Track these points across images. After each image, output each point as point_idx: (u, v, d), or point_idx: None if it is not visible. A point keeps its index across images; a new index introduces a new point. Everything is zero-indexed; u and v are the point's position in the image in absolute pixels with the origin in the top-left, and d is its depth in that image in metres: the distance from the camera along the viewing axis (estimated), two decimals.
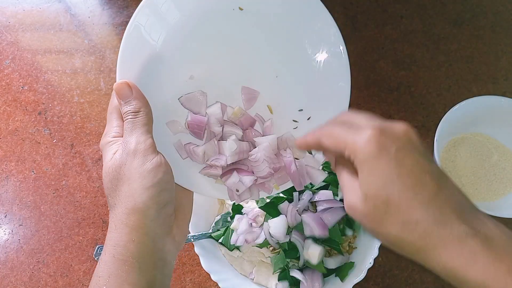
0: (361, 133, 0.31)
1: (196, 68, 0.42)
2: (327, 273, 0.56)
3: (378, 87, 0.72)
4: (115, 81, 0.39)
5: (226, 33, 0.43)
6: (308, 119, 0.45)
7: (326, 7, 0.43)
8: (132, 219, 0.35)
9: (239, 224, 0.59)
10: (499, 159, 0.65)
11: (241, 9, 0.42)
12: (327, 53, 0.44)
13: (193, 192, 0.42)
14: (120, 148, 0.36)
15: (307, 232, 0.56)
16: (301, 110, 0.45)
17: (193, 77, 0.42)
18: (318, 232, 0.55)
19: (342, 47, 0.44)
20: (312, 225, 0.55)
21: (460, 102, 0.61)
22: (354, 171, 0.33)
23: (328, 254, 0.58)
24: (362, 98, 0.71)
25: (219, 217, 0.61)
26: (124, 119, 0.38)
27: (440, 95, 0.71)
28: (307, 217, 0.56)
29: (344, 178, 0.33)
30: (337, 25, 0.43)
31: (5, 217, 0.67)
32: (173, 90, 0.42)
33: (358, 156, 0.30)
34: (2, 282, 0.64)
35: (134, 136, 0.36)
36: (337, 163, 0.35)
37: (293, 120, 0.45)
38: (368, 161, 0.30)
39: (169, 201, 0.37)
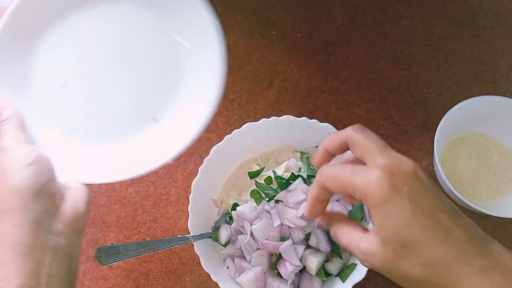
0: (369, 174, 0.31)
1: (68, 75, 0.39)
2: (327, 277, 0.56)
3: (378, 87, 0.72)
4: None
5: (86, 33, 0.40)
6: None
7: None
8: (11, 202, 0.34)
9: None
10: (499, 159, 0.65)
11: (94, 5, 0.40)
12: (199, 52, 0.42)
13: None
14: None
15: (312, 242, 0.55)
16: (156, 119, 0.43)
17: (66, 86, 0.39)
18: (323, 247, 0.54)
19: (216, 42, 0.41)
20: (320, 238, 0.54)
21: (460, 102, 0.61)
22: (355, 225, 0.35)
23: (327, 259, 0.57)
24: (362, 98, 0.71)
25: (219, 217, 0.61)
26: None
27: (440, 95, 0.71)
28: (320, 231, 0.55)
29: (350, 233, 0.34)
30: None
31: None
32: (42, 99, 0.40)
33: (370, 199, 0.31)
34: None
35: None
36: (332, 221, 0.36)
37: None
38: (382, 205, 0.30)
39: (49, 179, 0.37)
